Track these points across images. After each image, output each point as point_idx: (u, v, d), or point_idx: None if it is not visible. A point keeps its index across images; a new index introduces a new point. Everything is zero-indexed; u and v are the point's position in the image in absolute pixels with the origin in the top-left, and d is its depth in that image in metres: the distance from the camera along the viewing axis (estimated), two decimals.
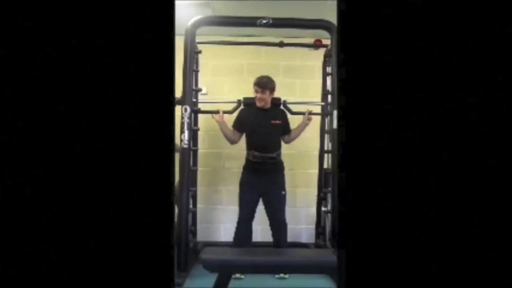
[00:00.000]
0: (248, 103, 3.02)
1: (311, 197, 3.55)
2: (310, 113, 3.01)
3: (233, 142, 3.03)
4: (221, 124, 2.96)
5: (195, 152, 3.27)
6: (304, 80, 3.73)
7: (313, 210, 3.50)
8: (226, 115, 3.02)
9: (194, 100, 3.09)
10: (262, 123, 2.90)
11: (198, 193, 3.39)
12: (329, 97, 3.07)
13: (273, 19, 2.81)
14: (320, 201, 3.34)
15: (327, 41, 3.24)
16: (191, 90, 2.88)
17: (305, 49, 3.64)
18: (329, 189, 2.99)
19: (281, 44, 3.42)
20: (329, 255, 2.18)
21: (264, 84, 2.88)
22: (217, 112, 2.98)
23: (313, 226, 3.52)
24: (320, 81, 3.44)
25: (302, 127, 3.02)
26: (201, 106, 3.20)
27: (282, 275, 2.78)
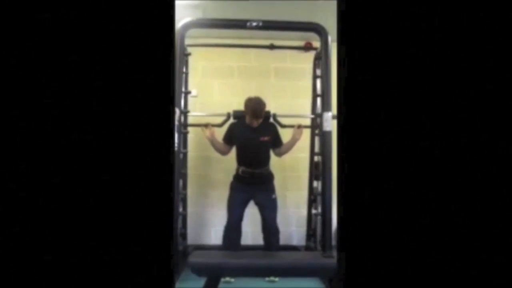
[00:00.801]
0: (238, 116, 3.02)
1: (302, 200, 3.55)
2: (300, 126, 3.03)
3: (223, 154, 3.06)
4: (211, 139, 2.98)
5: (185, 155, 3.26)
6: (294, 82, 3.73)
7: (304, 212, 3.50)
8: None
9: (185, 109, 3.09)
10: (251, 140, 2.91)
11: (188, 196, 3.37)
12: (319, 100, 3.07)
13: (263, 21, 2.80)
14: (311, 203, 3.34)
15: (317, 44, 3.24)
16: (181, 92, 2.87)
17: (296, 52, 3.65)
18: (319, 190, 2.98)
19: (271, 47, 3.42)
20: (319, 258, 2.18)
21: (260, 113, 2.85)
22: (206, 125, 2.98)
23: (303, 229, 3.52)
24: (310, 83, 3.44)
25: (293, 142, 3.04)
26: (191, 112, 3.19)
27: (272, 278, 2.78)
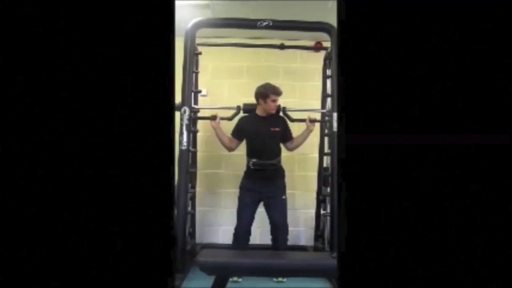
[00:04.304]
0: (247, 109, 3.01)
1: (310, 200, 3.54)
2: (312, 120, 3.00)
3: (229, 149, 3.03)
4: (217, 129, 2.95)
5: (194, 154, 3.26)
6: (304, 83, 3.72)
7: (312, 212, 3.49)
8: (224, 122, 3.00)
9: (196, 106, 3.08)
10: (262, 131, 2.89)
11: (197, 195, 3.38)
12: (329, 100, 3.07)
13: (273, 21, 2.81)
14: (319, 203, 3.33)
15: (327, 44, 3.24)
16: (191, 91, 2.87)
17: (305, 52, 3.64)
18: (328, 190, 2.97)
19: (281, 47, 3.41)
20: (328, 259, 2.16)
21: (280, 91, 2.90)
22: (214, 118, 2.96)
23: (311, 229, 3.51)
24: (320, 83, 3.44)
25: (306, 134, 3.01)
26: (200, 112, 3.18)
27: (280, 278, 2.77)
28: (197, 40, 2.95)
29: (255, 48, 3.53)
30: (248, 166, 2.93)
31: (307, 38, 3.53)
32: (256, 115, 2.96)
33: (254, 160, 2.87)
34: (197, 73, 3.22)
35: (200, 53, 3.14)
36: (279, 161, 2.94)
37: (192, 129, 2.93)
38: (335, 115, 2.76)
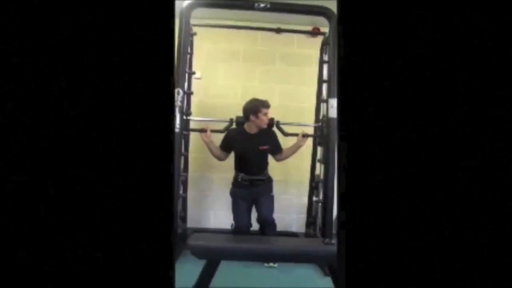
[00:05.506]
0: (240, 122, 2.98)
1: (303, 186, 3.53)
2: (305, 135, 3.01)
3: (219, 159, 3.04)
4: (209, 144, 2.96)
5: (187, 137, 3.23)
6: (300, 68, 3.68)
7: (305, 199, 3.48)
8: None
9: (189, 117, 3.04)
10: (250, 149, 2.89)
11: (189, 179, 3.35)
12: (324, 87, 3.03)
13: (271, 3, 2.75)
14: (312, 190, 3.32)
15: (325, 29, 3.19)
16: (184, 72, 2.82)
17: (303, 37, 3.60)
18: (321, 178, 2.96)
19: (278, 30, 3.36)
20: (319, 245, 2.16)
21: (269, 103, 2.88)
22: (204, 130, 2.95)
23: (303, 216, 3.51)
24: (316, 69, 3.40)
25: (296, 148, 3.03)
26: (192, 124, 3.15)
27: (271, 263, 2.77)
28: (193, 21, 2.88)
29: (251, 31, 3.47)
30: (236, 179, 2.95)
31: (304, 23, 3.48)
32: (245, 131, 2.94)
33: (242, 175, 2.90)
34: (191, 55, 3.15)
35: (195, 34, 3.08)
36: (266, 174, 2.99)
37: (185, 112, 2.88)
38: (331, 100, 2.73)
